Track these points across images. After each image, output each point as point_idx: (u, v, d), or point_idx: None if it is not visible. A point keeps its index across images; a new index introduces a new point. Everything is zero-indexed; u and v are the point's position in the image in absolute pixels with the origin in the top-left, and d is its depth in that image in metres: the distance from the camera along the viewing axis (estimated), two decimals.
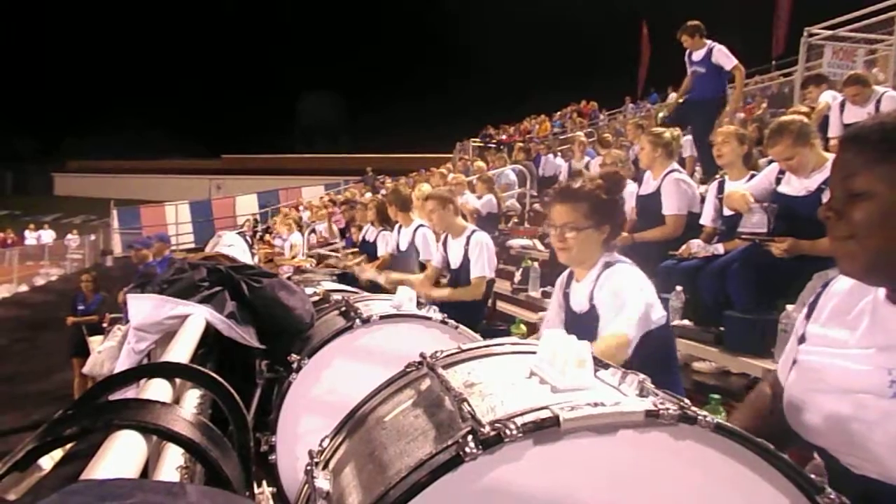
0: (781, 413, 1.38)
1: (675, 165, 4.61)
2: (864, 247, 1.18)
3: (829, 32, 8.50)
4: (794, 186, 3.44)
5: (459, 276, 4.37)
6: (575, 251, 2.27)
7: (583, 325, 2.23)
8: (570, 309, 2.40)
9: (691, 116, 7.21)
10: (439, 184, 9.21)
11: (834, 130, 6.07)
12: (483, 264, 4.20)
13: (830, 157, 3.37)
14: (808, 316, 1.39)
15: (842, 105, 6.15)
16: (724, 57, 6.85)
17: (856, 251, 1.19)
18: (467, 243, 4.31)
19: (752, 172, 4.06)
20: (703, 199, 4.51)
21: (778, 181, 3.59)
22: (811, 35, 8.45)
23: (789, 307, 3.02)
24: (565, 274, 2.52)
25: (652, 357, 2.11)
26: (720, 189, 4.21)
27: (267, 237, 13.34)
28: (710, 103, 7.02)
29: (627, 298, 2.14)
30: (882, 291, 1.22)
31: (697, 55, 7.03)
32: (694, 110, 7.13)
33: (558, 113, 22.74)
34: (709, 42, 6.94)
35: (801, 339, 1.37)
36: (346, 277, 5.51)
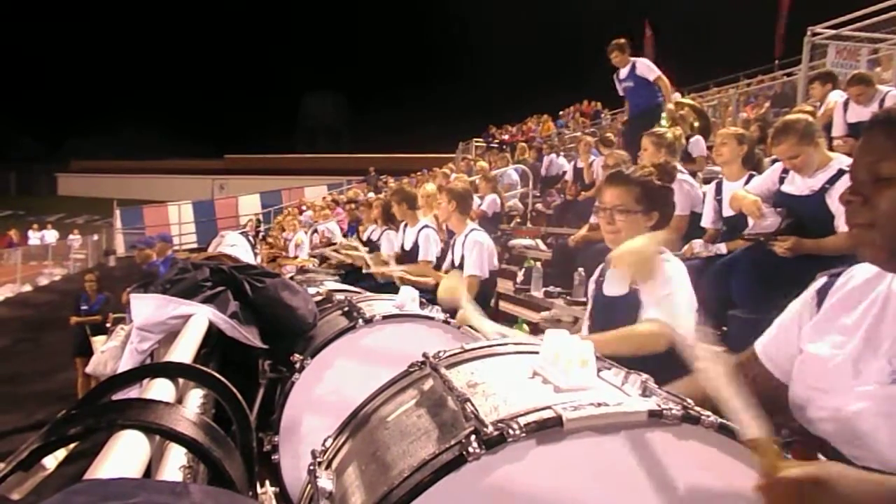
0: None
1: (678, 166, 4.61)
2: (885, 235, 1.13)
3: (833, 32, 8.46)
4: (798, 186, 3.42)
5: None
6: (623, 234, 2.29)
7: (617, 308, 2.24)
8: (601, 295, 2.42)
9: (638, 131, 7.23)
10: (443, 183, 9.22)
11: (838, 130, 6.05)
12: (475, 263, 4.20)
13: (835, 156, 3.37)
14: (819, 305, 1.37)
15: (845, 104, 6.13)
16: (647, 69, 7.11)
17: (876, 239, 1.15)
18: (465, 241, 4.33)
19: (750, 173, 4.04)
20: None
21: (781, 181, 3.57)
22: (815, 34, 8.41)
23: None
24: (599, 269, 2.55)
25: (670, 355, 2.11)
26: (718, 190, 4.20)
27: (271, 239, 13.35)
28: (649, 113, 7.15)
29: (678, 291, 2.14)
30: None
31: (624, 72, 7.25)
32: (638, 125, 7.05)
33: (561, 113, 22.72)
34: (631, 58, 7.23)
35: (807, 329, 1.36)
36: (349, 277, 5.51)
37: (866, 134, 1.19)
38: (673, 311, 2.10)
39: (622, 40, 7.24)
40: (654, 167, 2.40)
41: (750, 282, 3.43)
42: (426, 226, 5.28)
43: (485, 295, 4.47)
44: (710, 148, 6.56)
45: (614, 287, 2.36)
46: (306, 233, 10.72)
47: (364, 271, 5.15)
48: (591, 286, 2.59)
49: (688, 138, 7.02)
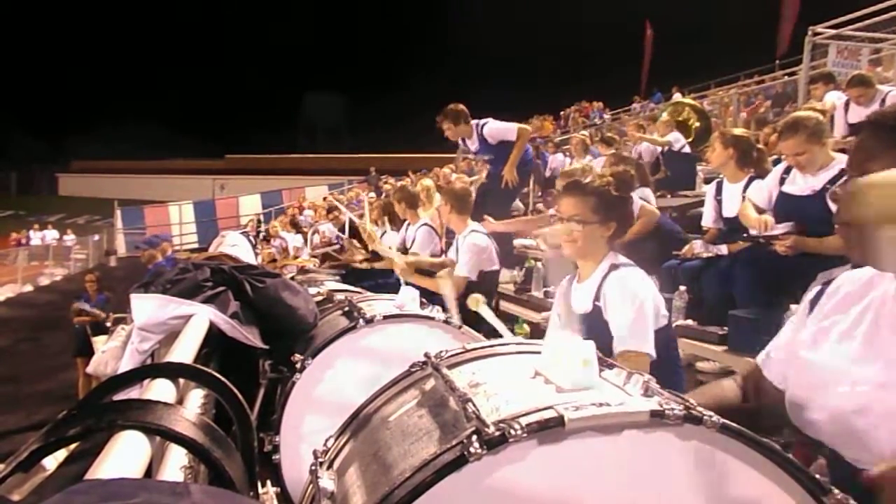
0: (752, 411, 1.38)
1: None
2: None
3: (834, 32, 8.46)
4: (799, 185, 3.42)
5: None
6: (580, 244, 2.24)
7: (585, 324, 2.20)
8: (574, 312, 2.35)
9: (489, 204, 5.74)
10: (442, 184, 9.24)
11: (839, 131, 6.05)
12: (464, 263, 4.24)
13: (837, 156, 3.36)
14: (810, 312, 1.38)
15: (846, 105, 6.13)
16: (499, 130, 5.73)
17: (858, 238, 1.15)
18: (463, 241, 4.36)
19: (750, 175, 4.02)
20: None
21: (782, 181, 3.57)
22: (816, 34, 8.42)
23: (794, 307, 3.01)
24: (566, 280, 2.48)
25: (656, 358, 2.11)
26: (718, 191, 4.20)
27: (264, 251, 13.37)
28: (523, 169, 6.02)
29: (643, 311, 2.12)
30: (893, 286, 1.21)
31: (472, 143, 5.91)
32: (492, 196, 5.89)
33: (562, 113, 22.79)
34: (474, 123, 5.80)
35: (803, 335, 1.37)
36: (350, 277, 5.52)
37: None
38: (647, 335, 2.10)
39: (456, 108, 5.78)
40: (613, 176, 2.34)
41: (751, 281, 3.43)
42: (425, 224, 5.33)
43: (486, 294, 4.48)
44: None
45: (580, 303, 2.30)
46: (306, 233, 10.73)
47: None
48: (560, 300, 2.48)
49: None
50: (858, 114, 5.84)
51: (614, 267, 2.22)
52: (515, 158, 5.76)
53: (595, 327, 2.15)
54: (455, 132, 5.81)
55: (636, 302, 2.12)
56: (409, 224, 5.72)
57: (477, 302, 2.24)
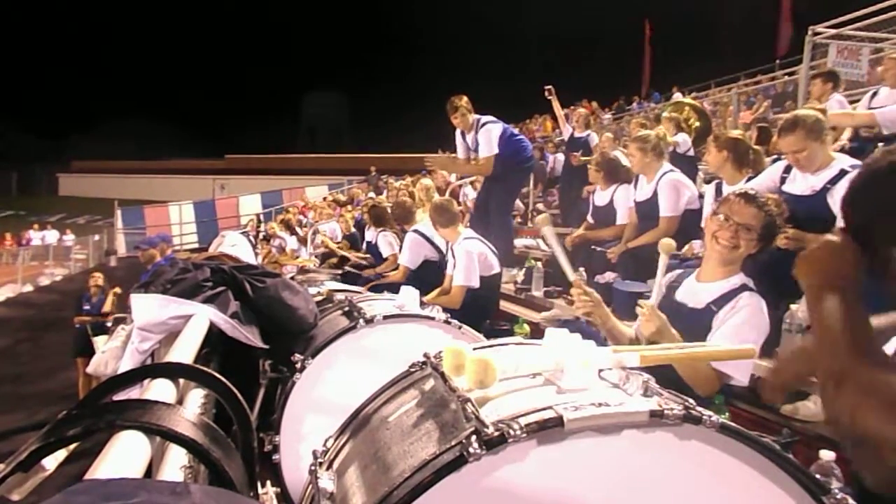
0: None
1: (669, 166, 4.59)
2: None
3: (834, 31, 8.45)
4: (799, 185, 3.41)
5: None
6: (741, 251, 2.31)
7: (692, 320, 2.27)
8: (673, 299, 2.40)
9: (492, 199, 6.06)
10: (441, 185, 9.25)
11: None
12: (461, 273, 4.24)
13: (837, 156, 3.36)
14: None
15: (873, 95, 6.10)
16: (484, 145, 5.62)
17: None
18: (457, 249, 4.36)
19: (748, 175, 4.02)
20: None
21: (783, 181, 3.57)
22: (816, 34, 8.41)
23: (793, 307, 3.01)
24: (675, 274, 2.54)
25: None
26: (718, 192, 4.20)
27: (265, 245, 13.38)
28: (513, 175, 5.98)
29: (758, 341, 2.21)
30: None
31: (470, 138, 5.81)
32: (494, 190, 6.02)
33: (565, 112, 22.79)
34: (475, 118, 5.76)
35: None
36: (349, 277, 5.52)
37: None
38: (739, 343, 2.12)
39: (463, 99, 5.71)
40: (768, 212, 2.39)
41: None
42: (413, 230, 5.31)
43: (487, 298, 4.49)
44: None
45: (693, 296, 2.36)
46: (300, 235, 10.72)
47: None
48: (661, 279, 2.43)
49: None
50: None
51: (748, 288, 2.29)
52: (468, 171, 5.89)
53: (695, 322, 2.24)
54: (464, 122, 5.74)
55: (759, 335, 2.21)
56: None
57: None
